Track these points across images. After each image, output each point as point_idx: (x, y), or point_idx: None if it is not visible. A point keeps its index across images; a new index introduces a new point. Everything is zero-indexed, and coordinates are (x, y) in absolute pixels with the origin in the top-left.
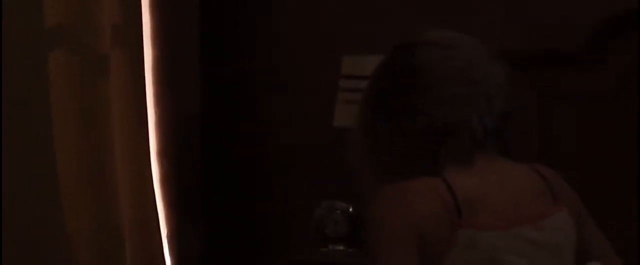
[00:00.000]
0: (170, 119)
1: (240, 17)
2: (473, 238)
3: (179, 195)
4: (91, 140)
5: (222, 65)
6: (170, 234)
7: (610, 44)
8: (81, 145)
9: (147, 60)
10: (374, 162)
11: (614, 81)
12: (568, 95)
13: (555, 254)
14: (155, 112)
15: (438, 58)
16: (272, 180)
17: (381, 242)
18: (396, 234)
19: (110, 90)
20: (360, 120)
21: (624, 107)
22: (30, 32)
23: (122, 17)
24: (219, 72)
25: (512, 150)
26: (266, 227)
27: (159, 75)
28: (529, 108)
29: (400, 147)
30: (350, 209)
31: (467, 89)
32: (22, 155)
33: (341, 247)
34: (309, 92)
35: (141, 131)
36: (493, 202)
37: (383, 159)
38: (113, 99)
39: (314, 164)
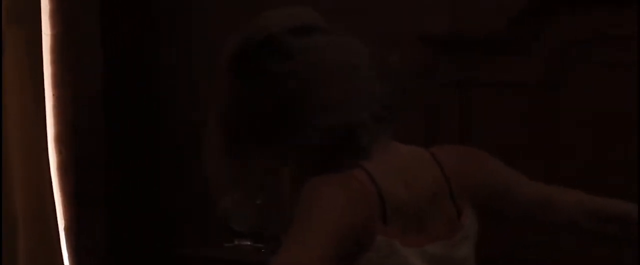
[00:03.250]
0: (70, 102)
1: None
2: (392, 247)
3: (77, 185)
4: None
5: (125, 43)
6: (67, 226)
7: (539, 29)
8: None
9: (45, 39)
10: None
11: (541, 70)
12: (491, 84)
13: (461, 263)
14: (54, 95)
15: (311, 53)
16: (179, 169)
17: (309, 232)
18: (324, 227)
19: (4, 70)
20: (225, 152)
21: (552, 99)
22: None
23: None
24: (122, 52)
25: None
26: (171, 219)
27: (57, 55)
28: (448, 98)
29: (292, 162)
30: (258, 202)
31: (347, 83)
32: None
33: (248, 242)
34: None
35: (38, 115)
36: (409, 203)
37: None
38: (7, 81)
39: None
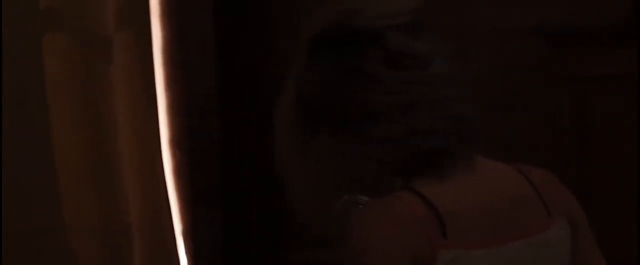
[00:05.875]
0: (183, 104)
1: None
2: (457, 258)
3: (194, 188)
4: (93, 130)
5: (239, 42)
6: (185, 230)
7: None
8: (82, 136)
9: (156, 41)
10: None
11: None
12: (607, 78)
13: None
14: (167, 97)
15: (420, 66)
16: None
17: None
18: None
19: (115, 75)
20: (292, 133)
21: None
22: (22, 13)
23: None
24: (236, 51)
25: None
26: (290, 222)
27: (169, 57)
28: (563, 92)
29: (351, 162)
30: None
31: (442, 106)
32: (17, 149)
33: None
34: None
35: (151, 118)
36: (478, 214)
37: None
38: (118, 85)
39: None
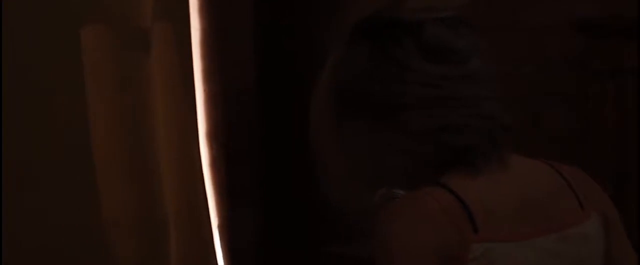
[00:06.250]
0: (222, 97)
1: None
2: (489, 251)
3: (231, 181)
4: (130, 122)
5: (279, 35)
6: (221, 223)
7: None
8: (118, 129)
9: (195, 34)
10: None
11: None
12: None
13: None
14: (204, 90)
15: (446, 38)
16: None
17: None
18: (413, 259)
19: (152, 67)
20: (329, 123)
21: None
22: (59, 5)
23: None
24: (275, 44)
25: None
26: (329, 216)
27: (207, 49)
28: (603, 87)
29: (386, 154)
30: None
31: (477, 104)
32: (53, 143)
33: None
34: None
35: (188, 111)
36: (510, 208)
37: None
38: (155, 77)
39: None
